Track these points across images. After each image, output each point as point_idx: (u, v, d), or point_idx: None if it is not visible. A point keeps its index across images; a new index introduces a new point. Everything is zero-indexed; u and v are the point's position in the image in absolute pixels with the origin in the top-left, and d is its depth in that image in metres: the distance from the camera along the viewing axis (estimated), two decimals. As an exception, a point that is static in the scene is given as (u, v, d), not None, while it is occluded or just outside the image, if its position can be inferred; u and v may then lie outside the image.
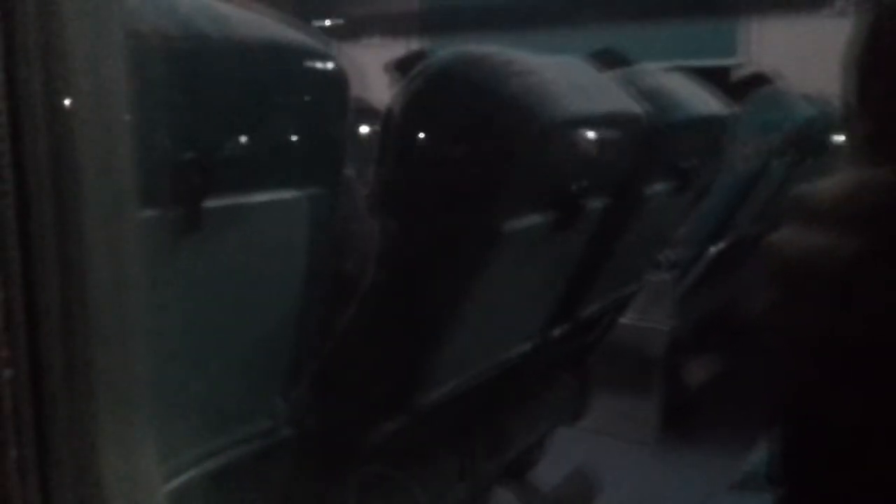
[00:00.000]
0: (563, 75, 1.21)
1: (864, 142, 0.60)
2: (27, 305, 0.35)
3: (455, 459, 1.38)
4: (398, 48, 4.20)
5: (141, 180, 0.43)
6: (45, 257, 0.36)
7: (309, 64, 0.93)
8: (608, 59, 2.00)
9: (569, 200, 1.20)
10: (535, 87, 1.09)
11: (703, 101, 1.73)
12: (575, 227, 1.25)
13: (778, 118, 2.54)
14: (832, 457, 0.57)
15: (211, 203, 0.79)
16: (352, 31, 4.94)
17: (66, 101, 0.37)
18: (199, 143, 0.78)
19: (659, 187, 1.59)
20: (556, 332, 1.51)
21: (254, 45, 0.85)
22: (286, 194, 0.94)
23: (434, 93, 1.06)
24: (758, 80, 2.89)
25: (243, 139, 0.86)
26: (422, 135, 1.07)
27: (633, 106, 1.38)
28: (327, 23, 4.77)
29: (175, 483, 0.84)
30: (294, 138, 0.94)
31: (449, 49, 1.09)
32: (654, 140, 1.43)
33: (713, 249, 2.53)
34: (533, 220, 1.17)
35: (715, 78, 2.06)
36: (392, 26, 5.15)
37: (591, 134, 1.25)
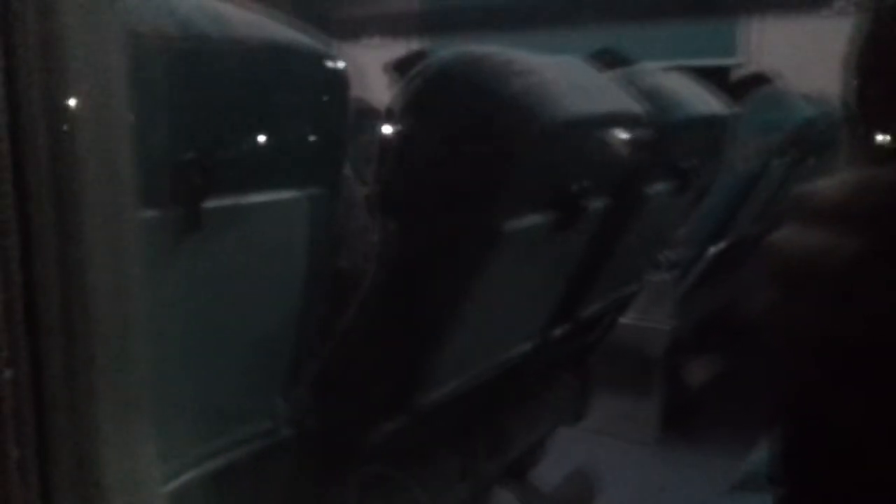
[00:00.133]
0: (563, 75, 1.21)
1: (864, 142, 0.60)
2: (27, 306, 0.35)
3: (456, 459, 1.38)
4: (398, 48, 4.20)
5: (141, 180, 0.43)
6: (45, 258, 0.36)
7: (309, 64, 0.93)
8: (608, 58, 2.00)
9: (569, 200, 1.20)
10: (535, 87, 1.09)
11: (704, 101, 1.73)
12: (575, 227, 1.24)
13: (778, 118, 2.54)
14: (833, 457, 0.57)
15: (211, 203, 0.79)
16: (352, 31, 4.94)
17: (66, 102, 0.37)
18: (200, 143, 0.78)
19: (659, 187, 1.59)
20: (557, 332, 1.51)
21: (254, 45, 0.85)
22: (286, 194, 0.94)
23: (434, 93, 1.06)
24: (758, 80, 2.89)
25: (243, 139, 0.86)
26: (422, 135, 1.07)
27: (633, 106, 1.38)
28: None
29: (175, 483, 0.84)
30: (294, 138, 0.94)
31: (449, 49, 1.09)
32: (655, 140, 1.43)
33: (713, 249, 2.53)
34: (533, 220, 1.17)
35: (715, 78, 2.07)
36: (392, 26, 5.15)
37: (591, 134, 1.25)
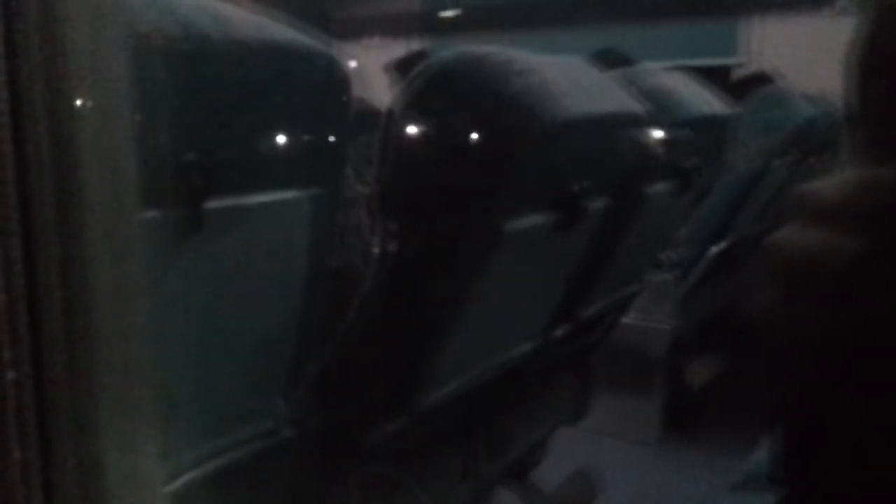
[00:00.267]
0: (564, 75, 1.21)
1: (865, 141, 0.60)
2: (30, 307, 0.35)
3: (457, 460, 1.38)
4: (399, 48, 4.20)
5: (143, 181, 0.43)
6: (47, 259, 0.36)
7: (310, 65, 0.93)
8: (610, 58, 2.00)
9: (570, 200, 1.20)
10: (535, 87, 1.09)
11: (705, 101, 1.74)
12: (576, 227, 1.24)
13: (779, 118, 2.54)
14: (834, 457, 0.57)
15: (212, 204, 0.79)
16: (352, 31, 4.94)
17: (69, 103, 0.37)
18: (201, 143, 0.78)
19: (660, 187, 1.59)
20: (558, 332, 1.51)
21: (255, 45, 0.85)
22: (287, 195, 0.94)
23: (435, 93, 1.06)
24: (759, 80, 2.89)
25: (244, 140, 0.86)
26: (422, 135, 1.06)
27: (634, 106, 1.38)
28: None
29: (177, 483, 0.84)
30: (295, 139, 0.94)
31: (450, 49, 1.09)
32: (655, 140, 1.43)
33: (715, 249, 2.53)
34: (534, 220, 1.17)
35: (716, 77, 2.07)
36: (393, 26, 5.15)
37: (592, 134, 1.25)
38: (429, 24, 5.13)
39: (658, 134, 1.43)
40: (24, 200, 0.35)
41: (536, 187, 1.17)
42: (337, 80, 0.96)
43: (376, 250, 1.10)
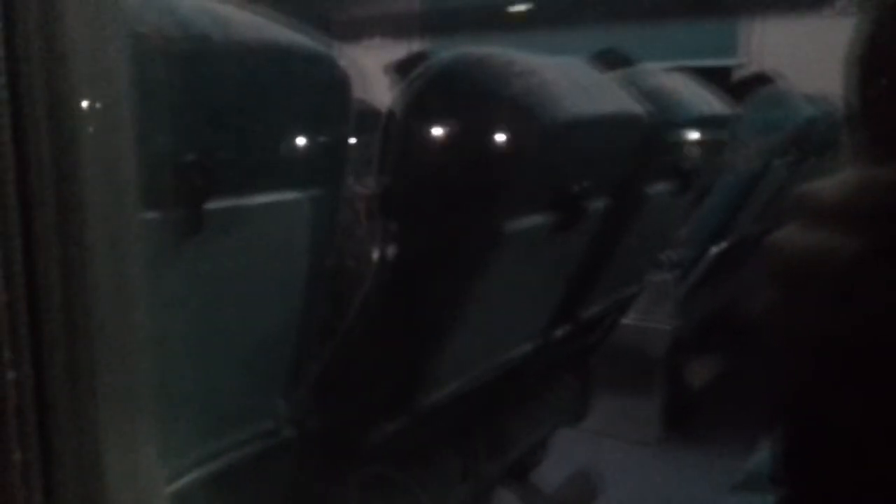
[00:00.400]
0: (565, 76, 1.21)
1: (865, 141, 0.60)
2: (30, 307, 0.35)
3: (457, 460, 1.38)
4: (399, 49, 4.20)
5: (143, 182, 0.43)
6: (47, 259, 0.36)
7: (310, 66, 0.93)
8: (610, 59, 2.00)
9: (570, 201, 1.20)
10: (536, 88, 1.09)
11: (705, 102, 1.73)
12: (576, 227, 1.24)
13: (779, 118, 2.54)
14: (834, 457, 0.57)
15: (213, 205, 0.79)
16: (352, 32, 4.94)
17: (69, 104, 0.37)
18: (201, 144, 0.78)
19: (660, 187, 1.59)
20: (558, 332, 1.51)
21: (255, 46, 0.85)
22: (288, 196, 0.94)
23: (435, 94, 1.06)
24: (759, 81, 2.89)
25: (245, 141, 0.86)
26: (423, 136, 1.07)
27: (634, 106, 1.38)
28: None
29: (178, 484, 0.84)
30: (295, 140, 0.94)
31: (450, 50, 1.09)
32: (656, 140, 1.43)
33: (715, 249, 2.53)
34: (534, 220, 1.17)
35: (716, 78, 2.07)
36: (393, 27, 5.15)
37: (592, 135, 1.25)
38: (429, 25, 5.13)
39: (658, 134, 1.43)
40: (24, 201, 0.35)
41: (537, 188, 1.17)
42: (337, 82, 0.97)
43: (376, 251, 1.10)
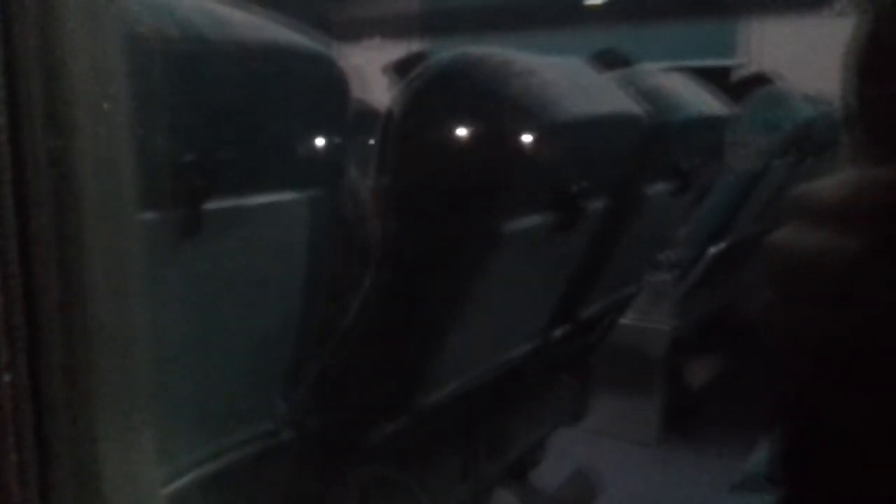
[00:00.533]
0: (563, 76, 1.21)
1: (864, 142, 0.60)
2: (27, 308, 0.35)
3: (456, 460, 1.38)
4: (398, 50, 4.20)
5: (142, 182, 0.43)
6: (44, 260, 0.36)
7: (309, 66, 0.93)
8: (609, 59, 2.00)
9: (569, 201, 1.20)
10: (534, 88, 1.09)
11: (704, 102, 1.73)
12: (575, 227, 1.24)
13: (778, 118, 2.54)
14: (833, 457, 0.57)
15: (211, 205, 0.79)
16: (352, 32, 4.94)
17: (66, 103, 0.37)
18: (200, 145, 0.78)
19: (659, 188, 1.59)
20: (557, 332, 1.51)
21: (254, 46, 0.85)
22: (286, 196, 0.94)
23: (434, 94, 1.06)
24: (758, 81, 2.89)
25: (243, 141, 0.86)
26: (422, 136, 1.07)
27: (633, 107, 1.38)
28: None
29: (176, 485, 0.84)
30: (294, 140, 0.94)
31: (449, 50, 1.09)
32: (655, 141, 1.43)
33: (714, 250, 2.53)
34: (533, 221, 1.17)
35: (715, 78, 2.06)
36: (392, 27, 5.15)
37: (591, 135, 1.25)
38: (428, 25, 5.13)
39: (657, 135, 1.43)
40: (21, 201, 0.35)
41: (536, 188, 1.17)
42: (336, 82, 0.96)
43: (377, 251, 1.10)
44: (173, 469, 0.83)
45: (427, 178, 1.08)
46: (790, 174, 2.60)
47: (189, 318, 0.82)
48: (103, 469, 0.38)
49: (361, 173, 1.21)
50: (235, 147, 0.84)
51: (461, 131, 1.06)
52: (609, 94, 1.36)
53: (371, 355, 1.15)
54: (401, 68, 2.27)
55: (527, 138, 1.06)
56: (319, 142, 0.98)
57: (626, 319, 2.07)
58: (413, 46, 4.70)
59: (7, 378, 0.35)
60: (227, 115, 0.82)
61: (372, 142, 1.07)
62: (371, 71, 2.44)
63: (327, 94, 0.96)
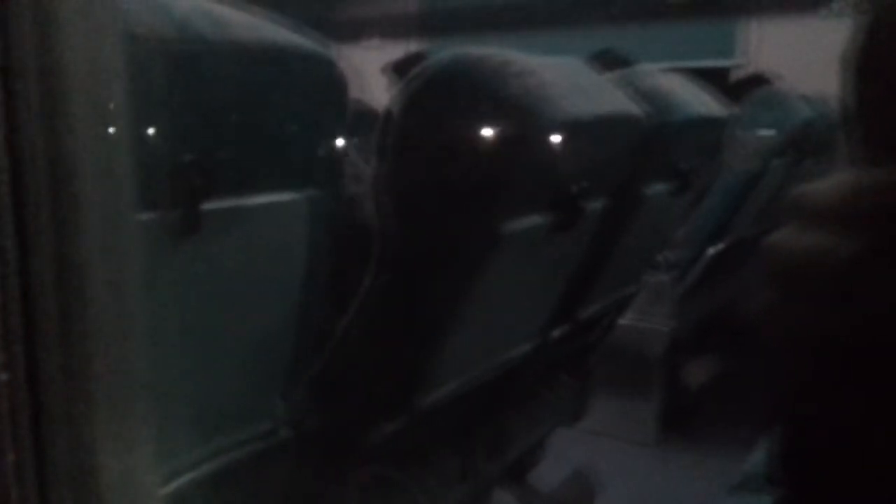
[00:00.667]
0: (563, 76, 1.21)
1: (862, 142, 0.60)
2: (24, 308, 0.35)
3: (455, 460, 1.38)
4: (397, 50, 4.20)
5: (140, 182, 0.43)
6: (42, 260, 0.36)
7: (308, 66, 0.93)
8: (608, 59, 2.00)
9: (568, 201, 1.20)
10: (533, 88, 1.09)
11: (703, 102, 1.73)
12: (574, 228, 1.24)
13: (777, 119, 2.54)
14: (832, 457, 0.57)
15: (211, 205, 0.79)
16: (351, 32, 4.94)
17: (64, 103, 0.37)
18: (199, 145, 0.78)
19: (658, 188, 1.59)
20: (556, 332, 1.51)
21: (253, 47, 0.85)
22: (285, 196, 0.94)
23: (433, 94, 1.06)
24: (757, 81, 2.90)
25: (242, 141, 0.86)
26: (421, 136, 1.07)
27: (632, 107, 1.38)
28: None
29: (174, 485, 0.84)
30: (293, 140, 0.94)
31: (448, 50, 1.09)
32: (654, 141, 1.43)
33: (713, 250, 2.53)
34: (532, 221, 1.17)
35: (714, 79, 2.06)
36: (391, 28, 5.15)
37: (590, 135, 1.25)
38: (427, 26, 5.13)
39: (656, 135, 1.43)
40: (19, 201, 0.35)
41: (535, 188, 1.17)
42: (335, 82, 0.96)
43: (376, 251, 1.10)
44: (172, 469, 0.83)
45: (426, 178, 1.08)
46: (789, 175, 2.60)
47: (188, 318, 0.82)
48: (101, 469, 0.38)
49: (360, 173, 1.21)
50: (234, 147, 0.84)
51: (460, 131, 1.06)
52: (608, 94, 1.36)
53: (370, 355, 1.15)
54: (400, 68, 2.27)
55: (526, 138, 1.06)
56: (318, 142, 0.98)
57: (624, 320, 2.07)
58: (412, 47, 4.70)
59: (4, 378, 0.35)
60: (226, 116, 0.82)
61: (371, 142, 1.07)
62: (370, 71, 2.44)
63: (326, 94, 0.96)
